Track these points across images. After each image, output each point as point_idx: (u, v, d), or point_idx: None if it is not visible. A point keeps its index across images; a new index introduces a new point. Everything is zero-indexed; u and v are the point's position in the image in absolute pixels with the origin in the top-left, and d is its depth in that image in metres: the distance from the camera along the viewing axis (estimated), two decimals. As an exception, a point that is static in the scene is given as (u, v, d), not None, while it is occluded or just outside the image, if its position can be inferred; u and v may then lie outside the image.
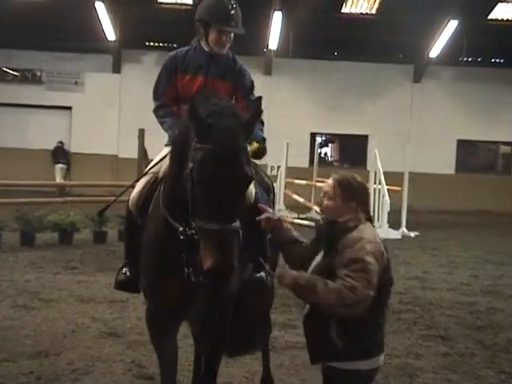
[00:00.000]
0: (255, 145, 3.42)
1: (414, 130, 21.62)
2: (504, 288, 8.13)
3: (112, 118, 21.09)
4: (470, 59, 22.07)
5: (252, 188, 3.37)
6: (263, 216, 3.06)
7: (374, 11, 20.47)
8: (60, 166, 20.51)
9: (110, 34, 20.42)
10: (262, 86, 19.34)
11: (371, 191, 13.32)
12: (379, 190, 13.41)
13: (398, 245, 12.06)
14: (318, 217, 16.00)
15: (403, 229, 13.84)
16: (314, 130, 21.87)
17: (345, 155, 23.30)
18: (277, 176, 16.63)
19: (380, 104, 21.46)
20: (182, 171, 2.77)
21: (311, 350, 2.76)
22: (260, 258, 3.53)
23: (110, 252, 9.66)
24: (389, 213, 13.24)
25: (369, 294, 2.60)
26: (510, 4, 20.22)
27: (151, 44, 21.58)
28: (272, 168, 19.66)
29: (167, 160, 3.17)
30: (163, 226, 2.98)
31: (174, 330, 3.28)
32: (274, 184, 4.62)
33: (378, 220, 13.36)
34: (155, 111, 3.62)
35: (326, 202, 2.89)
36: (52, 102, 20.84)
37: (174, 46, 20.06)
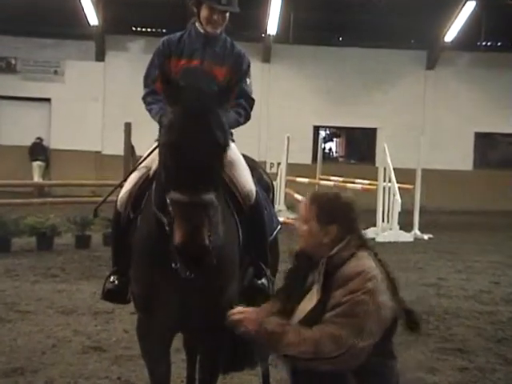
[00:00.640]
0: None
1: (428, 123, 21.65)
2: (527, 295, 8.15)
3: (95, 110, 21.08)
4: (488, 43, 22.09)
5: (238, 159, 3.45)
6: (239, 316, 2.63)
7: (382, -8, 20.51)
8: (38, 163, 20.50)
9: (93, 17, 20.40)
10: (260, 74, 19.36)
11: (380, 189, 13.40)
12: (389, 189, 13.41)
13: (410, 248, 12.06)
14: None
15: (415, 231, 13.86)
16: (318, 123, 21.88)
17: (351, 150, 23.31)
18: (277, 174, 16.64)
19: (390, 94, 21.47)
20: None
21: None
22: (261, 263, 3.54)
23: (94, 258, 9.66)
24: (400, 213, 13.25)
25: (357, 345, 2.31)
26: (532, -17, 20.27)
27: (138, 29, 21.57)
28: (271, 165, 19.70)
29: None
30: (156, 227, 2.99)
31: (167, 342, 3.28)
32: (274, 182, 4.64)
33: (388, 221, 13.38)
34: (144, 98, 3.66)
35: (300, 226, 2.63)
36: (28, 93, 20.81)
37: (164, 31, 20.06)
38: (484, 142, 22.31)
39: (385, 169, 13.56)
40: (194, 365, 3.82)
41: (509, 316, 7.07)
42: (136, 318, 3.38)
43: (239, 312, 2.62)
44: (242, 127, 3.90)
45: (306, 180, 16.29)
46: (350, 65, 21.29)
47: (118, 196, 3.51)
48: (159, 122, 3.25)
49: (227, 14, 3.64)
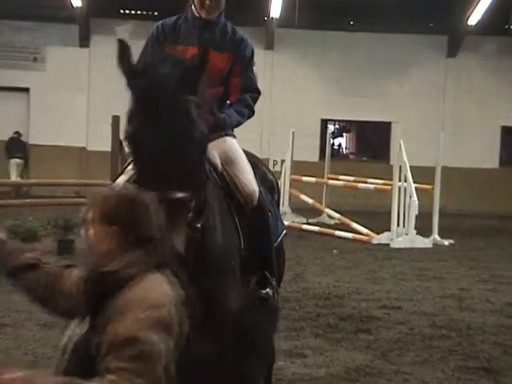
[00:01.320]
0: None
1: (449, 116, 21.62)
2: (559, 308, 8.12)
3: (80, 102, 21.07)
4: (516, 28, 22.07)
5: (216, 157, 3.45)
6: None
7: (398, -30, 20.49)
8: (16, 161, 20.49)
9: (77, -1, 20.42)
10: (262, 62, 19.33)
11: (395, 190, 13.39)
12: (405, 189, 13.40)
13: (429, 255, 12.05)
14: (332, 221, 16.17)
15: (435, 236, 13.85)
16: (326, 117, 21.87)
17: (363, 147, 23.30)
18: (280, 172, 16.63)
19: (406, 84, 21.46)
20: None
21: None
22: (265, 272, 3.54)
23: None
24: (417, 216, 13.23)
25: None
26: None
27: (126, 12, 21.57)
28: (275, 162, 19.69)
29: None
30: None
31: None
32: (278, 182, 4.64)
33: (404, 225, 13.36)
34: None
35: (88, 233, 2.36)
36: (5, 82, 20.79)
37: (155, 14, 20.08)
38: None
39: (400, 167, 13.53)
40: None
41: (539, 331, 7.07)
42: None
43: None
44: (241, 120, 3.90)
45: (312, 179, 16.28)
46: (361, 52, 21.28)
47: None
48: None
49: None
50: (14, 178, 19.98)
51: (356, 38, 21.36)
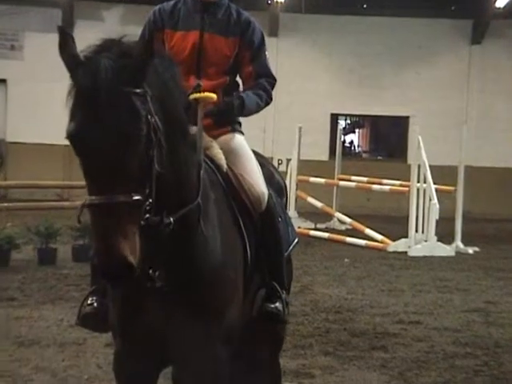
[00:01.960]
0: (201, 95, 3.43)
1: (473, 109, 21.60)
2: None
3: (63, 94, 20.98)
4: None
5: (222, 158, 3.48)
6: None
7: None
8: (-8, 160, 20.52)
9: (59, -20, 20.44)
10: (265, 50, 19.34)
11: (413, 192, 13.39)
12: (424, 191, 13.40)
13: (451, 265, 12.04)
14: (342, 227, 16.15)
15: (458, 243, 13.84)
16: (336, 111, 21.88)
17: (378, 144, 23.30)
18: (286, 173, 16.63)
19: (426, 74, 21.45)
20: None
21: None
22: (274, 283, 3.55)
23: (60, 277, 9.65)
24: (438, 221, 13.24)
25: None
26: None
27: (115, -6, 21.59)
28: (279, 162, 19.68)
29: None
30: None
31: (151, 380, 3.32)
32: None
33: (424, 231, 13.36)
34: None
35: None
36: (-20, 73, 20.85)
37: (146, -4, 20.09)
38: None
39: (419, 166, 13.54)
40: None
41: None
42: (112, 352, 3.39)
43: None
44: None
45: (321, 180, 16.29)
46: (375, 38, 21.26)
47: None
48: None
49: None
50: (-10, 179, 20.00)
51: (370, 23, 21.35)
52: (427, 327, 7.68)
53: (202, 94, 3.45)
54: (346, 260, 12.00)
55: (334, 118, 21.81)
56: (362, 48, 21.33)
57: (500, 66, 21.61)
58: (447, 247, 13.36)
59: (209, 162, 3.44)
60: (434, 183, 13.40)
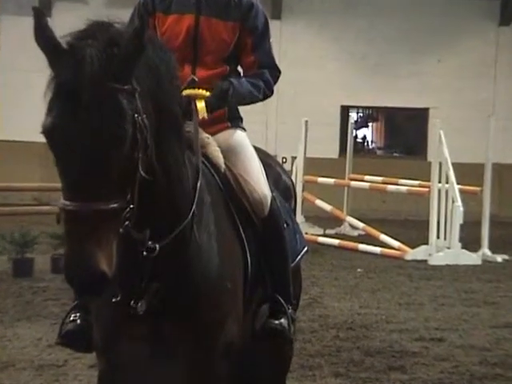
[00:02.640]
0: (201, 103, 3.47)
1: (502, 99, 21.57)
2: None
3: (41, 85, 20.95)
4: None
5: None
6: None
7: None
8: (-39, 159, 20.54)
9: (36, -42, 20.45)
10: (266, 35, 19.34)
11: (434, 193, 13.38)
12: (446, 192, 13.39)
13: (478, 274, 12.03)
14: (355, 232, 16.12)
15: (485, 250, 13.83)
16: (347, 103, 21.89)
17: (394, 139, 23.31)
18: (291, 172, 16.63)
19: (448, 61, 21.45)
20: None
21: None
22: (279, 297, 3.54)
23: (38, 290, 9.63)
24: (462, 226, 13.23)
25: None
26: None
27: (98, -27, 21.62)
28: (284, 160, 19.65)
29: None
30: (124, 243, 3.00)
31: None
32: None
33: (446, 237, 13.34)
34: None
35: None
36: None
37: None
38: None
39: (440, 164, 13.54)
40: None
41: None
42: (96, 375, 3.38)
43: None
44: (243, 108, 3.90)
45: (331, 180, 16.28)
46: (391, 21, 21.28)
47: None
48: None
49: None
50: (-40, 181, 20.03)
51: (385, 4, 21.37)
52: (451, 345, 7.67)
53: (196, 91, 3.44)
54: (358, 270, 12.00)
55: (345, 110, 21.82)
56: (376, 32, 21.35)
57: (531, 52, 21.61)
58: (473, 255, 13.34)
59: (205, 161, 3.43)
60: (458, 183, 13.39)
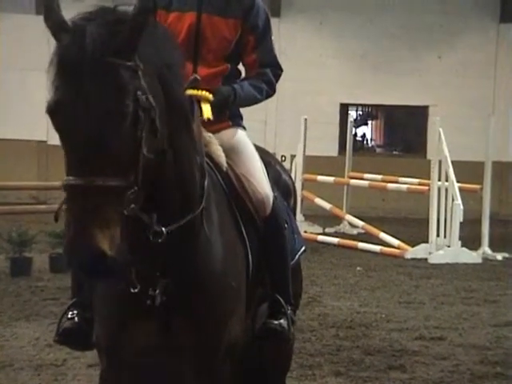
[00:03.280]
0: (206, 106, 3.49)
1: (501, 97, 21.57)
2: None
3: (38, 84, 20.93)
4: None
5: None
6: None
7: None
8: (-42, 158, 20.53)
9: (33, -45, 20.44)
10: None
11: (434, 191, 13.37)
12: (446, 190, 13.39)
13: (478, 272, 12.03)
14: (354, 231, 16.13)
15: (485, 248, 13.83)
16: (347, 100, 21.88)
17: (393, 137, 23.29)
18: (290, 170, 16.62)
19: (448, 58, 21.44)
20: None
21: None
22: (278, 296, 3.55)
23: (36, 289, 9.64)
24: (462, 224, 13.23)
25: None
26: None
27: (96, -30, 21.60)
28: (283, 158, 19.64)
29: None
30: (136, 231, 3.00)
31: None
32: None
33: (446, 235, 13.33)
34: None
35: None
36: None
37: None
38: None
39: (440, 162, 13.53)
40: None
41: None
42: (97, 374, 3.39)
43: None
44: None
45: (330, 179, 16.27)
46: (392, 17, 21.27)
47: None
48: None
49: None
50: (-43, 179, 20.01)
51: (384, 1, 21.35)
52: (451, 344, 7.67)
53: (199, 92, 3.45)
54: (358, 268, 11.99)
55: (344, 108, 21.81)
56: (376, 29, 21.32)
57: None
58: (473, 253, 13.34)
59: (207, 160, 3.43)
60: (458, 181, 13.38)
